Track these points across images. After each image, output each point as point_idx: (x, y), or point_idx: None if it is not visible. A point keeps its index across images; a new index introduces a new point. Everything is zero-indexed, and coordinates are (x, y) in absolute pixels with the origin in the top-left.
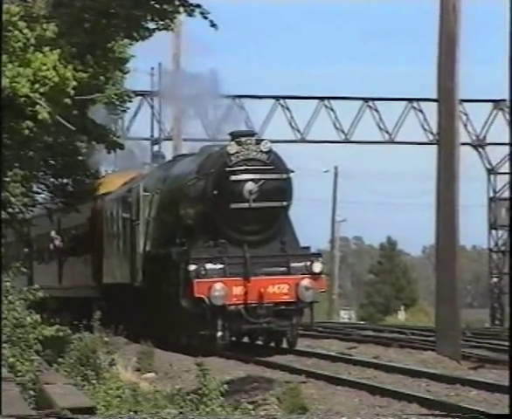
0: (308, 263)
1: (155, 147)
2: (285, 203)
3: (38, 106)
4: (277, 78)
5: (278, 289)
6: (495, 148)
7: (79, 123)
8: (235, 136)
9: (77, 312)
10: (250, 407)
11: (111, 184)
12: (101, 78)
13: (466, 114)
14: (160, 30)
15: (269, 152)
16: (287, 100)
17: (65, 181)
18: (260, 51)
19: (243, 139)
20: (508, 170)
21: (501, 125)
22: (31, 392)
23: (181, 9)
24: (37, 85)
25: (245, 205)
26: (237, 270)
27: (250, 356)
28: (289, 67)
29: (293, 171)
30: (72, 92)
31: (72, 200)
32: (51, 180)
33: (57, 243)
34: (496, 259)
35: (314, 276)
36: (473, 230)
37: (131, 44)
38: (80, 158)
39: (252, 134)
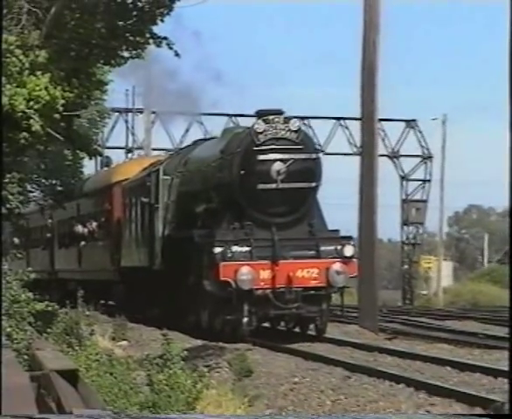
0: (339, 246)
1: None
2: (313, 184)
3: (31, 120)
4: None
5: (307, 273)
6: (407, 159)
7: (65, 134)
8: (262, 114)
9: (98, 293)
10: (205, 369)
11: (129, 171)
12: (84, 97)
13: (383, 131)
14: (133, 58)
15: (298, 131)
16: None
17: (53, 181)
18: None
19: (271, 117)
20: (417, 177)
21: (411, 140)
22: (25, 356)
23: (150, 41)
24: (31, 103)
25: (273, 186)
26: (264, 253)
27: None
28: (243, 87)
29: (322, 151)
30: (60, 108)
31: (59, 197)
32: (43, 181)
33: (93, 226)
34: (407, 250)
35: (346, 260)
36: (389, 226)
37: (110, 71)
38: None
39: (280, 113)
